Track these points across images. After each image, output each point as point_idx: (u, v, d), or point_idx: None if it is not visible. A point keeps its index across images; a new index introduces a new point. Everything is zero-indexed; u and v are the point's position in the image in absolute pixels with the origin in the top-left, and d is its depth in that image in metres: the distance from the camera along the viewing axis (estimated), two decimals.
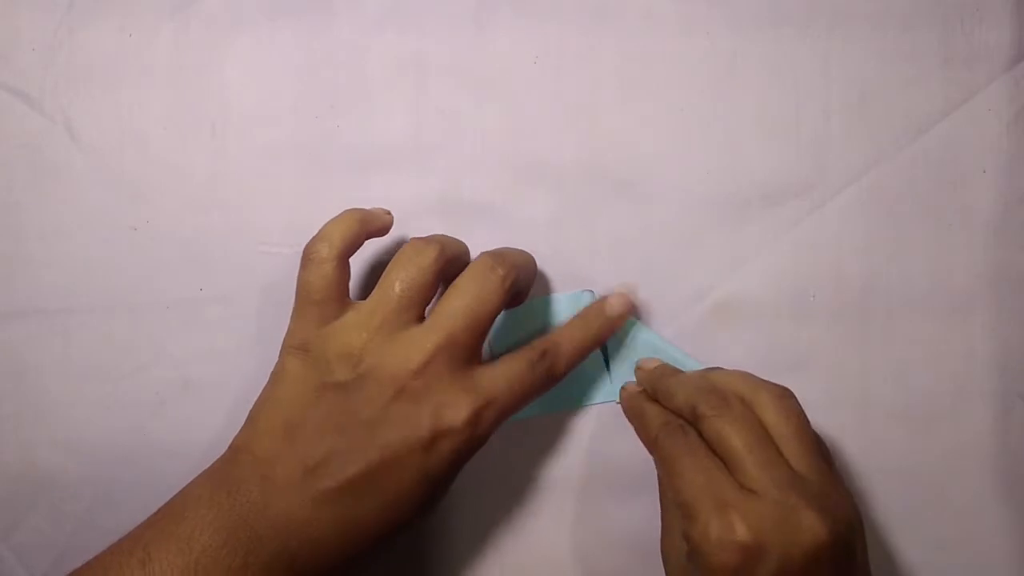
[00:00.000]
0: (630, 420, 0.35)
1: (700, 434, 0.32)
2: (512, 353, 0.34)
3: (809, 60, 0.38)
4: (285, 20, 0.38)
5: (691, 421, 0.32)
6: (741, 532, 0.29)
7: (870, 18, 0.38)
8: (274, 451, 0.31)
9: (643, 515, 0.37)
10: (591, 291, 0.38)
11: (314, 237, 0.34)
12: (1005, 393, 0.38)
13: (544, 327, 0.37)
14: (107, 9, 0.38)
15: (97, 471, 0.38)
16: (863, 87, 0.38)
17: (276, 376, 0.33)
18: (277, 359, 0.34)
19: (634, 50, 0.38)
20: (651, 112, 0.38)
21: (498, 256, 0.34)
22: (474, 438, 0.32)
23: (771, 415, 0.32)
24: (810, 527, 0.29)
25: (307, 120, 0.38)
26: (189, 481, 0.32)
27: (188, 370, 0.38)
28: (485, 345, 0.34)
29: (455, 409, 0.31)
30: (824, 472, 0.31)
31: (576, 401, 0.38)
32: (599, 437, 0.38)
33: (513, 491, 0.38)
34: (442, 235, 0.35)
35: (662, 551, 0.34)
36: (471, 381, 0.32)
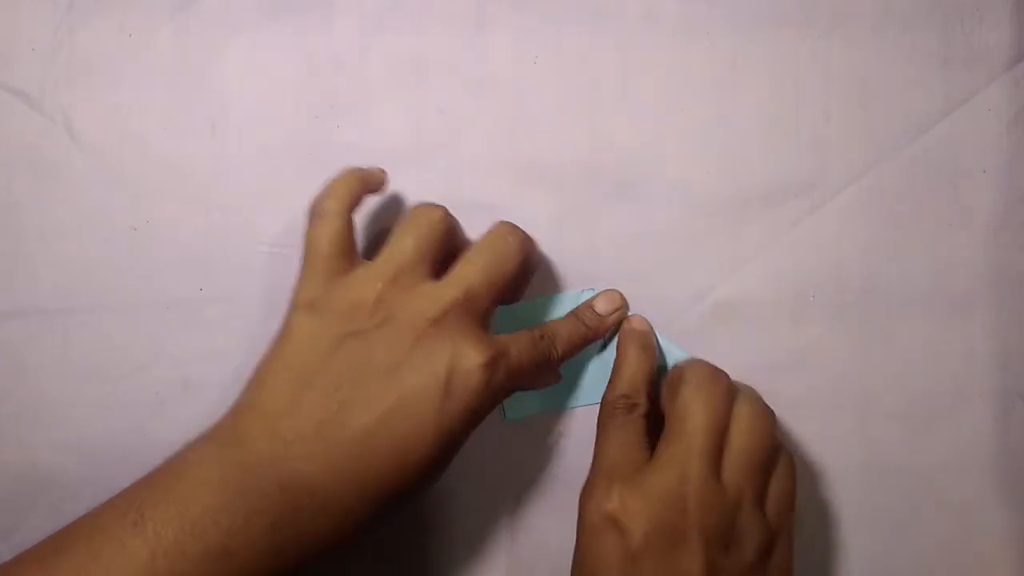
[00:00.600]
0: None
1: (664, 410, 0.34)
2: (516, 332, 0.34)
3: (809, 60, 0.38)
4: (285, 20, 0.38)
5: (672, 386, 0.34)
6: (614, 503, 0.31)
7: (870, 18, 0.38)
8: (285, 405, 0.31)
9: None
10: (592, 289, 0.38)
11: (320, 194, 0.34)
12: (1005, 393, 0.38)
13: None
14: (107, 9, 0.38)
15: (97, 471, 0.38)
16: (863, 87, 0.38)
17: (284, 335, 0.32)
18: (284, 319, 0.33)
19: (634, 50, 0.38)
20: (651, 112, 0.38)
21: (514, 226, 0.35)
22: (489, 388, 0.31)
23: (743, 423, 0.33)
24: (683, 537, 0.31)
25: (307, 120, 0.38)
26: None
27: (188, 370, 0.38)
28: None
29: (473, 354, 0.31)
30: (746, 502, 0.32)
31: (579, 399, 0.38)
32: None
33: (513, 491, 0.38)
34: None
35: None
36: (487, 335, 0.32)
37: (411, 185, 0.38)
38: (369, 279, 0.32)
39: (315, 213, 0.34)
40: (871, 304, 0.38)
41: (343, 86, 0.38)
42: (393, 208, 0.38)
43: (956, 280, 0.38)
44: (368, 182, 0.35)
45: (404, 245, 0.33)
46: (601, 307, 0.37)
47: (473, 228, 0.38)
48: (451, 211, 0.38)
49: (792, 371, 0.38)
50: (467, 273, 0.33)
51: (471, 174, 0.38)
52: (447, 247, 0.34)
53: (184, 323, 0.38)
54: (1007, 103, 0.38)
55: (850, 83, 0.38)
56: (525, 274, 0.36)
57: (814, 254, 0.38)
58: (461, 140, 0.38)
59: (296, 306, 0.33)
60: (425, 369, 0.31)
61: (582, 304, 0.37)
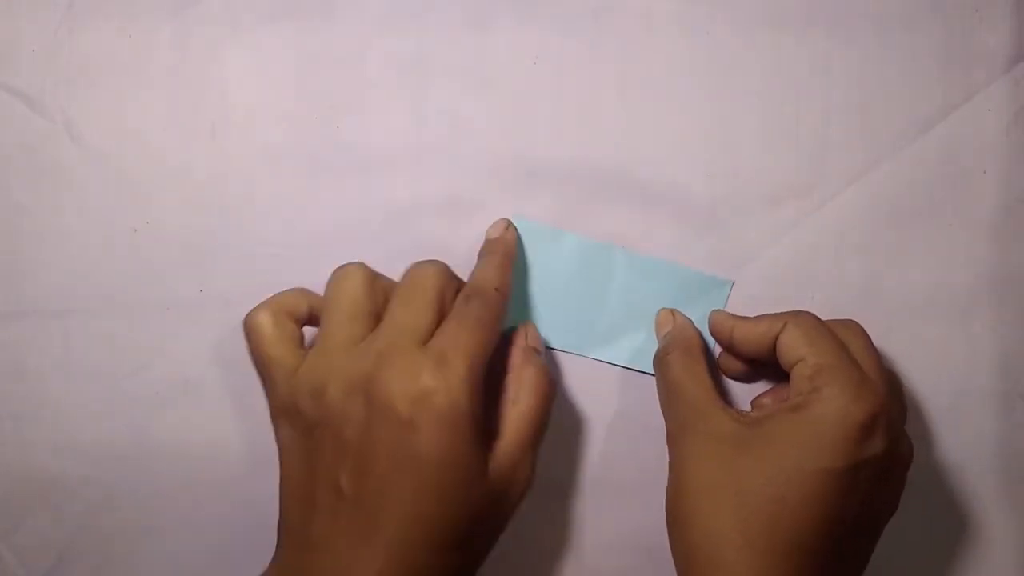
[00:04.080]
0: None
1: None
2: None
3: (809, 61, 0.38)
4: (285, 20, 0.38)
5: (776, 336, 0.33)
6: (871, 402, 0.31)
7: (870, 18, 0.38)
8: (296, 520, 0.31)
9: (645, 515, 0.37)
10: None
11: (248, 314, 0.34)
12: (1005, 393, 0.38)
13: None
14: (107, 9, 0.38)
15: (97, 471, 0.38)
16: (863, 87, 0.38)
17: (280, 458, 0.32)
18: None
19: (634, 50, 0.38)
20: (651, 112, 0.38)
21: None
22: (452, 391, 0.29)
23: (842, 333, 0.33)
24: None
25: (307, 120, 0.38)
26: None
27: (188, 370, 0.38)
28: None
29: (416, 375, 0.29)
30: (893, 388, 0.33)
31: (607, 352, 0.38)
32: (601, 438, 0.38)
33: None
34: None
35: (674, 508, 0.33)
36: (420, 349, 0.30)
37: (411, 185, 0.38)
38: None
39: (247, 328, 0.33)
40: (871, 304, 0.38)
41: (343, 86, 0.38)
42: (397, 216, 0.38)
43: (956, 280, 0.38)
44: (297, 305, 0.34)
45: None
46: (494, 232, 0.37)
47: (473, 228, 0.38)
48: (451, 211, 0.38)
49: None
50: (387, 322, 0.32)
51: (471, 174, 0.38)
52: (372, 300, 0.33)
53: (184, 323, 0.38)
54: (1007, 103, 0.38)
55: (850, 83, 0.38)
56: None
57: (814, 254, 0.38)
58: (461, 140, 0.38)
59: (274, 423, 0.33)
60: (384, 421, 0.29)
61: (484, 242, 0.37)
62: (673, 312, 0.37)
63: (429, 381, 0.29)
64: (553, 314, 0.38)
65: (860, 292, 0.38)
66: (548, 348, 0.38)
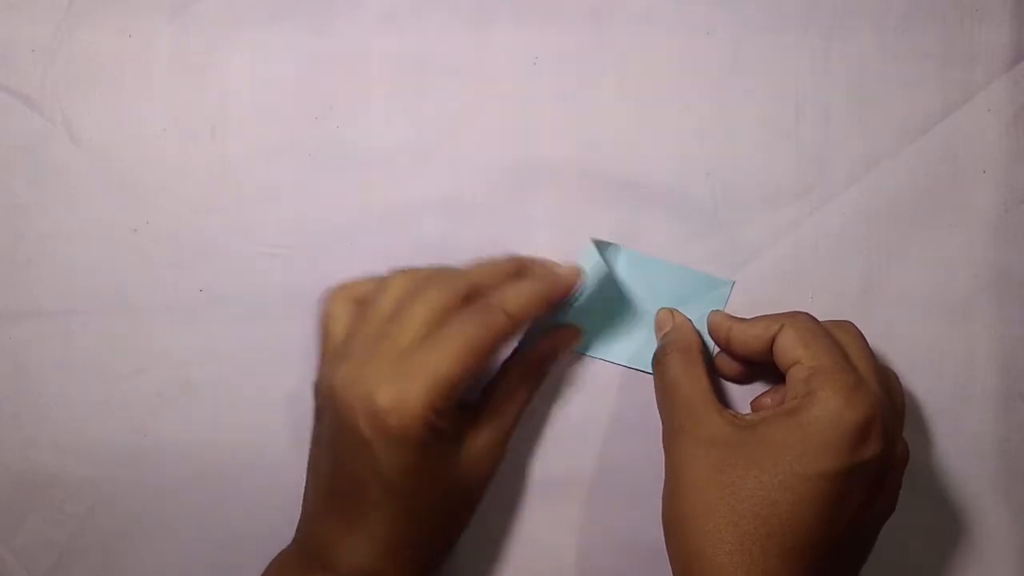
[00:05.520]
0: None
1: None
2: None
3: (809, 60, 0.38)
4: (285, 21, 0.38)
5: (773, 338, 0.34)
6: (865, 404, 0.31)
7: (870, 18, 0.38)
8: (309, 497, 0.34)
9: (645, 516, 0.37)
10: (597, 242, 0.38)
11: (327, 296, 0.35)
12: (1005, 393, 0.38)
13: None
14: (107, 10, 0.38)
15: (97, 471, 0.38)
16: (863, 87, 0.38)
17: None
18: None
19: (634, 50, 0.38)
20: (651, 112, 0.38)
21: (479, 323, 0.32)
22: (406, 417, 0.30)
23: (838, 334, 0.33)
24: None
25: (307, 120, 0.38)
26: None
27: (188, 370, 0.38)
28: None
29: (376, 396, 0.31)
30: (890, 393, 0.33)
31: (607, 352, 0.38)
32: (601, 438, 0.38)
33: (516, 492, 0.38)
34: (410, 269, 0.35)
35: (671, 508, 0.33)
36: (395, 364, 0.31)
37: (411, 185, 0.38)
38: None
39: (322, 314, 0.35)
40: (871, 304, 0.38)
41: (343, 86, 0.38)
42: (397, 216, 0.38)
43: (956, 280, 0.38)
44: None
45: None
46: (561, 268, 0.36)
47: (473, 228, 0.38)
48: (451, 211, 0.38)
49: None
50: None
51: (471, 174, 0.38)
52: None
53: (184, 323, 0.38)
54: (1007, 103, 0.38)
55: (850, 83, 0.38)
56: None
57: (814, 254, 0.38)
58: (461, 140, 0.38)
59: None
60: (350, 437, 0.31)
61: (538, 263, 0.36)
62: (672, 312, 0.37)
63: (384, 402, 0.30)
64: (552, 313, 0.38)
65: (860, 292, 0.38)
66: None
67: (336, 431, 0.32)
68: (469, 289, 0.33)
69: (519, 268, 0.35)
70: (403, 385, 0.30)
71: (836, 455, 0.30)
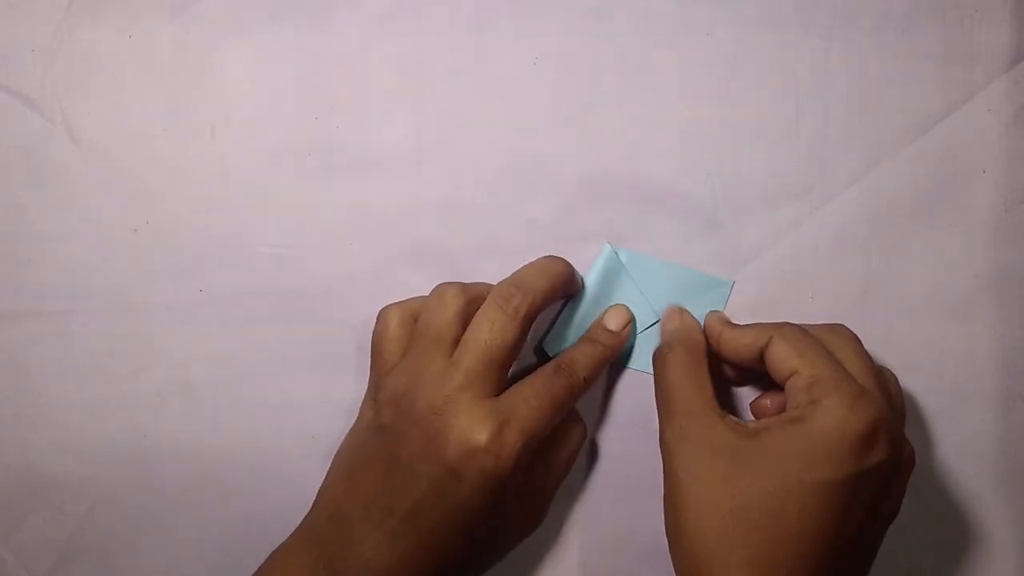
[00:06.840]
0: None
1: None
2: (531, 374, 0.34)
3: (809, 60, 0.38)
4: (285, 21, 0.38)
5: (763, 348, 0.34)
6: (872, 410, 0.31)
7: (870, 18, 0.38)
8: (339, 491, 0.34)
9: (645, 516, 0.37)
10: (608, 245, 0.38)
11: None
12: (1005, 393, 0.38)
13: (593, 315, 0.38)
14: (107, 9, 0.38)
15: (97, 471, 0.38)
16: (863, 87, 0.38)
17: (354, 423, 0.36)
18: None
19: (634, 50, 0.38)
20: (651, 112, 0.38)
21: (513, 285, 0.34)
22: (501, 459, 0.32)
23: (827, 339, 0.33)
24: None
25: (307, 121, 0.38)
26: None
27: (188, 370, 0.38)
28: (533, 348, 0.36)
29: (475, 433, 0.31)
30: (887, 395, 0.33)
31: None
32: (601, 438, 0.38)
33: None
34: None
35: (672, 502, 0.33)
36: (489, 407, 0.32)
37: (411, 185, 0.38)
38: (402, 371, 0.34)
39: (378, 317, 0.36)
40: (871, 304, 0.38)
41: (343, 87, 0.38)
42: (397, 216, 0.38)
43: (956, 280, 0.38)
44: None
45: (422, 333, 0.34)
46: (613, 323, 0.37)
47: (473, 228, 0.38)
48: (451, 211, 0.38)
49: None
50: (467, 348, 0.33)
51: (471, 174, 0.38)
52: (463, 321, 0.34)
53: (184, 323, 0.38)
54: (1007, 103, 0.38)
55: (850, 83, 0.38)
56: (554, 300, 0.36)
57: (814, 254, 0.38)
58: (461, 140, 0.38)
59: (364, 400, 0.36)
60: (436, 459, 0.32)
61: (593, 324, 0.37)
62: (681, 311, 0.37)
63: (483, 442, 0.31)
64: (552, 313, 0.38)
65: (860, 292, 0.38)
66: (544, 351, 0.38)
67: (413, 453, 0.32)
68: (529, 309, 0.34)
69: (567, 276, 0.36)
70: (502, 431, 0.32)
71: (843, 463, 0.30)
